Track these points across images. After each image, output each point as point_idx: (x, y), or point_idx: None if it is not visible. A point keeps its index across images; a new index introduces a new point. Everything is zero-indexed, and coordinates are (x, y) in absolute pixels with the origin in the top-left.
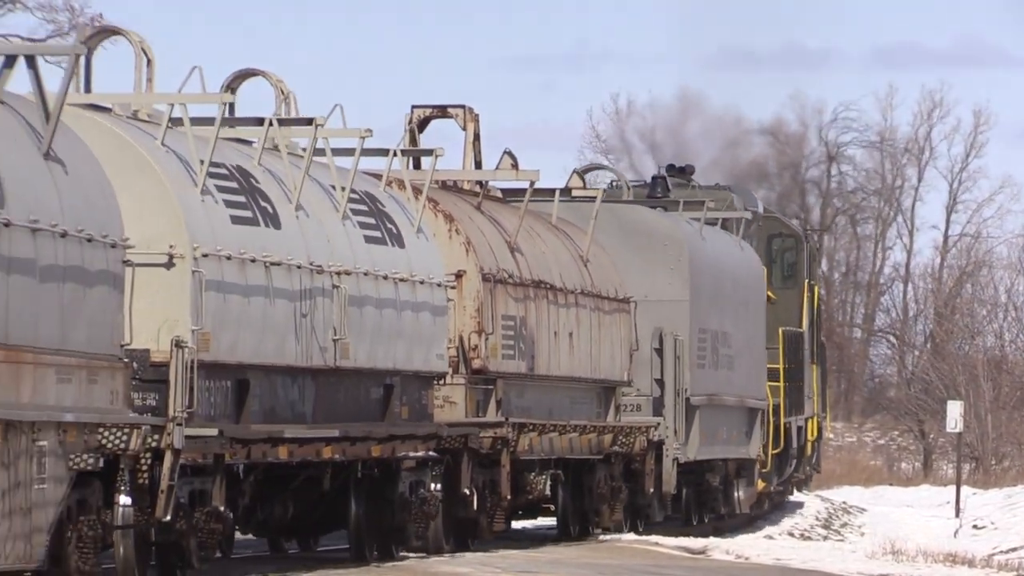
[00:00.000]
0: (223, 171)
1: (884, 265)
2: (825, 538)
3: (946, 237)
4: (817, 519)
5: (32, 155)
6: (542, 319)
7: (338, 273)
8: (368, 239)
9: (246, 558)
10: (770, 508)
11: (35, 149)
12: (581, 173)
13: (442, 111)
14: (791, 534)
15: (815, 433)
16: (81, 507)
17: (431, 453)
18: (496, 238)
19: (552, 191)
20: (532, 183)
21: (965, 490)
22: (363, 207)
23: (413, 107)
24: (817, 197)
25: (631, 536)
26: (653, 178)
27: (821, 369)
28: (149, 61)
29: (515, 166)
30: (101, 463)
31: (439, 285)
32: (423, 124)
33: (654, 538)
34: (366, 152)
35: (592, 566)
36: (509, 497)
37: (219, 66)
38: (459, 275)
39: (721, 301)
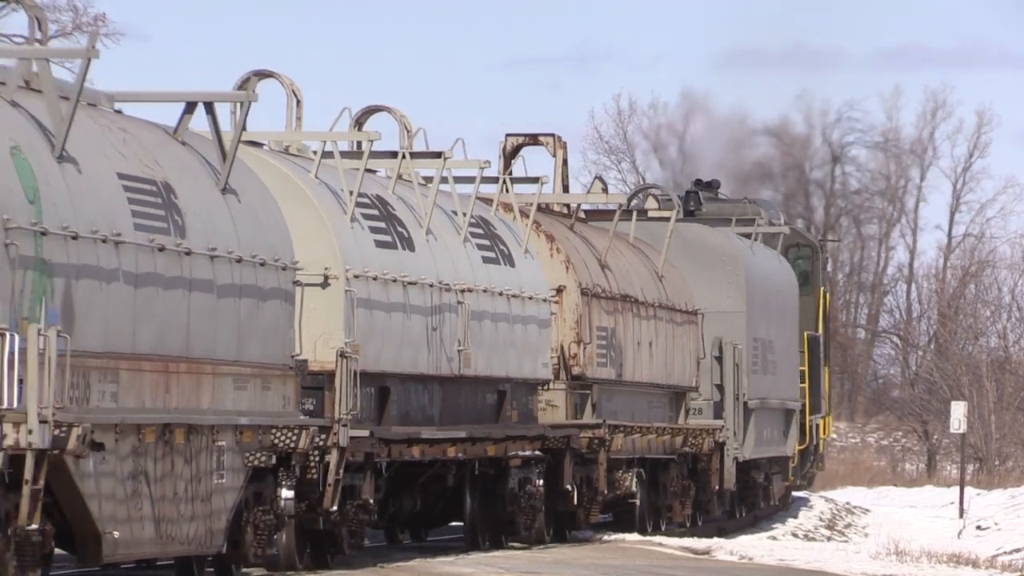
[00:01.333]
0: (365, 200)
1: (888, 266)
2: (829, 539)
3: (950, 237)
4: (821, 520)
5: (210, 190)
6: (628, 330)
7: (462, 291)
8: (485, 259)
9: (370, 548)
10: (792, 500)
11: (213, 184)
12: (636, 193)
13: (533, 139)
14: (795, 535)
15: (828, 431)
16: (257, 499)
17: (537, 452)
18: (588, 256)
19: (630, 212)
20: (620, 206)
21: (969, 491)
22: (479, 230)
23: (507, 135)
24: (821, 198)
25: (635, 536)
26: (687, 192)
27: (828, 370)
28: (299, 102)
29: (604, 190)
30: (274, 460)
31: (544, 300)
32: (515, 151)
33: (658, 539)
34: (457, 179)
35: (596, 566)
36: (605, 492)
37: (220, 65)
38: (560, 290)
39: (767, 311)
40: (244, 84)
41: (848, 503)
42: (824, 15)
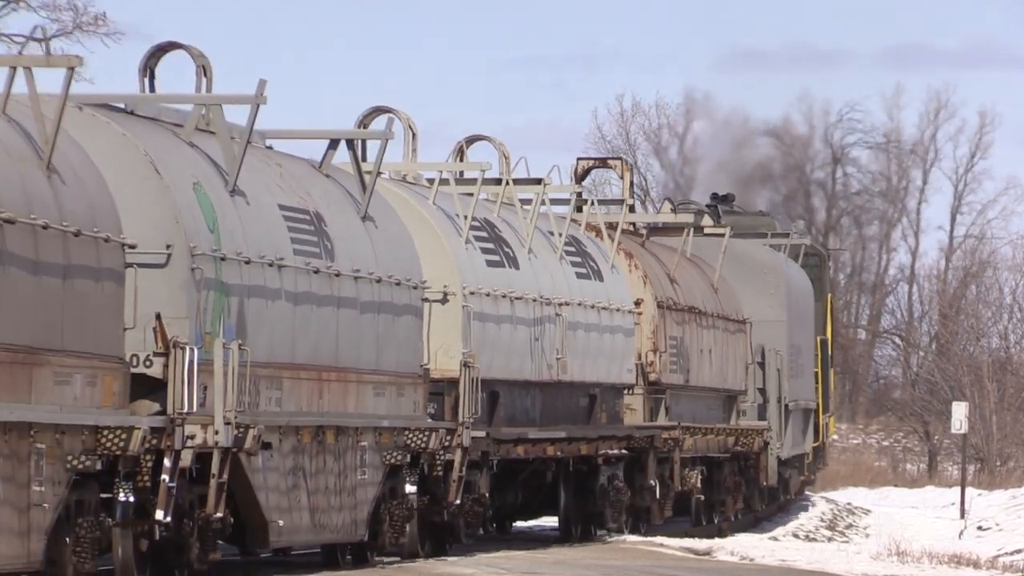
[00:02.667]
0: (475, 223)
1: (889, 266)
2: (830, 539)
3: (951, 238)
4: (822, 520)
5: (353, 217)
6: (693, 338)
7: (560, 304)
8: (578, 275)
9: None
10: (803, 494)
11: (354, 212)
12: (675, 206)
13: (603, 162)
14: (796, 535)
15: (832, 430)
16: (391, 493)
17: (623, 451)
18: (659, 270)
19: (682, 227)
20: (691, 225)
21: (970, 491)
22: (571, 248)
23: (578, 159)
24: (822, 199)
25: (635, 537)
26: (706, 206)
27: (833, 372)
28: (414, 135)
29: (674, 210)
30: (408, 458)
31: (628, 312)
32: (585, 173)
33: (659, 539)
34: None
35: (596, 567)
36: (679, 488)
37: (221, 66)
38: (638, 303)
39: (797, 319)
40: (367, 119)
41: (849, 504)
42: (827, 15)
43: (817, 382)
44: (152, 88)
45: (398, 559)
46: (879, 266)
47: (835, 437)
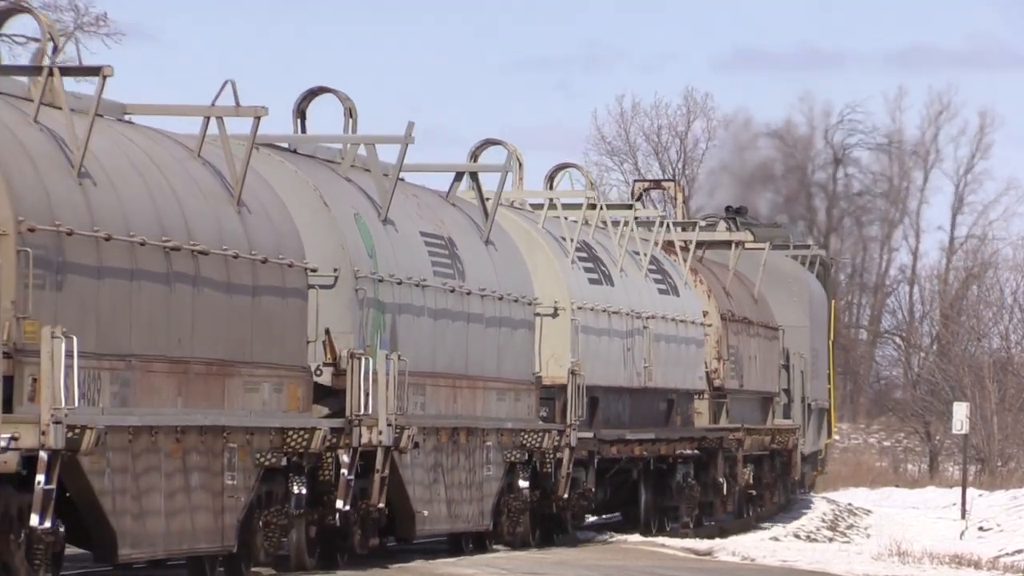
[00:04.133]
0: (577, 244)
1: (890, 267)
2: (831, 540)
3: (952, 239)
4: (823, 521)
5: (477, 241)
6: (745, 347)
7: (647, 317)
8: (659, 291)
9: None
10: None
11: (478, 237)
12: (721, 218)
13: (657, 184)
14: (797, 536)
15: (835, 429)
16: (509, 488)
17: (695, 451)
18: (717, 284)
19: (729, 243)
20: (744, 242)
21: (971, 492)
22: (653, 266)
23: (635, 181)
24: (823, 200)
25: (637, 537)
26: (721, 219)
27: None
28: (520, 164)
29: (729, 228)
30: (526, 456)
31: (699, 324)
32: (641, 194)
33: (660, 539)
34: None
35: (598, 567)
36: (741, 484)
37: (224, 66)
38: (705, 314)
39: (816, 325)
40: (478, 150)
41: (850, 504)
42: (829, 16)
43: (829, 383)
44: (304, 128)
45: (509, 548)
46: (880, 267)
47: (836, 437)
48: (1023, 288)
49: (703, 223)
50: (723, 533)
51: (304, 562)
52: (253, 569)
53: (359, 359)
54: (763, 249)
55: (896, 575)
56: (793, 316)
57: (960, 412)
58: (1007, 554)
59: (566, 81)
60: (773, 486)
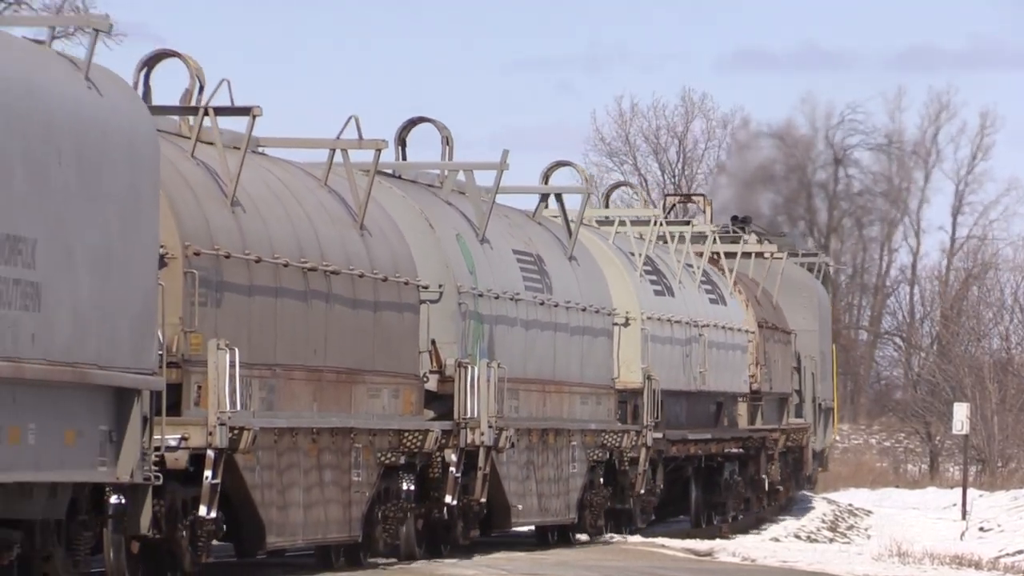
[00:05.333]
0: (635, 258)
1: (890, 267)
2: (831, 540)
3: (952, 239)
4: (823, 521)
5: (561, 257)
6: (773, 351)
7: (701, 326)
8: (711, 300)
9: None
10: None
11: (562, 253)
12: (735, 227)
13: (687, 198)
14: (797, 536)
15: (836, 429)
16: (591, 484)
17: (739, 450)
18: (752, 294)
19: (749, 254)
20: (773, 253)
21: (971, 492)
22: (703, 277)
23: (665, 195)
24: (824, 200)
25: (637, 538)
26: (731, 229)
27: None
28: (586, 179)
29: (759, 241)
30: (607, 455)
31: (743, 331)
32: (671, 208)
33: (660, 540)
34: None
35: (598, 568)
36: (772, 480)
37: (221, 66)
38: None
39: (823, 328)
40: (550, 171)
41: (851, 504)
42: (831, 17)
43: (832, 383)
44: (405, 155)
45: (590, 540)
46: (880, 267)
47: (836, 438)
48: (1023, 288)
49: (714, 230)
50: (723, 534)
51: (413, 552)
52: (370, 559)
53: (464, 367)
54: (782, 259)
55: None
56: (804, 321)
57: (960, 413)
58: (1008, 554)
59: (567, 81)
60: (788, 481)
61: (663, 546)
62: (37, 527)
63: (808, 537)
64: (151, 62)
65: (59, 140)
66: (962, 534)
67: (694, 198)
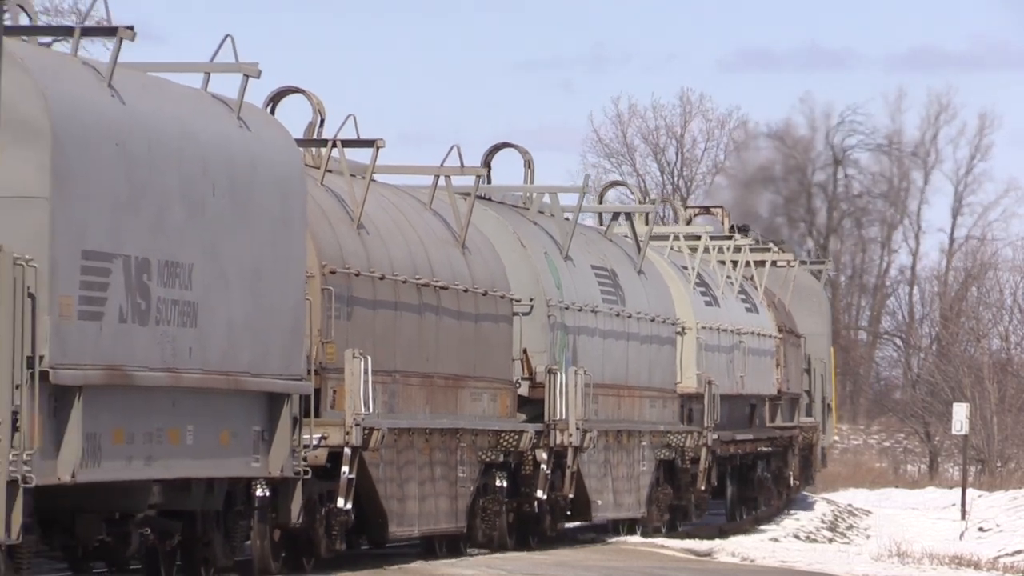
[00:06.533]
0: (688, 271)
1: (890, 268)
2: (831, 540)
3: (952, 240)
4: (823, 521)
5: (631, 271)
6: (788, 355)
7: (741, 333)
8: (746, 309)
9: None
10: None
11: (632, 267)
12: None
13: (706, 210)
14: (796, 536)
15: (836, 426)
16: (657, 482)
17: (769, 448)
18: (774, 301)
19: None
20: (789, 262)
21: (971, 492)
22: (738, 288)
23: (686, 207)
24: (823, 201)
25: (637, 538)
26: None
27: None
28: (644, 200)
29: (780, 250)
30: (672, 455)
31: (771, 336)
32: (691, 219)
33: (660, 540)
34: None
35: (598, 568)
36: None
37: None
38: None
39: (828, 331)
40: (605, 189)
41: (850, 505)
42: (832, 17)
43: (833, 382)
44: (490, 178)
45: (657, 533)
46: (880, 268)
47: (836, 438)
48: (1023, 289)
49: (748, 243)
50: (722, 534)
51: (505, 542)
52: (470, 549)
53: (554, 374)
54: (795, 267)
55: None
56: (812, 325)
57: (960, 413)
58: (1007, 554)
59: (571, 82)
60: (799, 476)
61: (663, 546)
62: (198, 517)
63: (807, 537)
64: (277, 97)
65: (214, 174)
66: (961, 534)
67: (712, 210)
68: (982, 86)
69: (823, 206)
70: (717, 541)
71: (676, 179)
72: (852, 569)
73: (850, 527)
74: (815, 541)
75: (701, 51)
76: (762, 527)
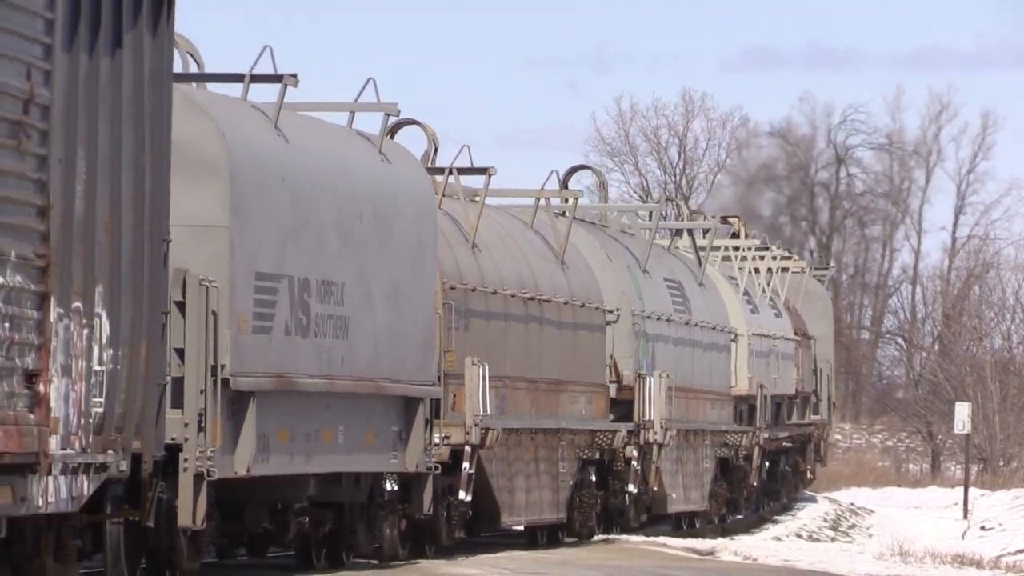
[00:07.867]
0: (736, 282)
1: (892, 267)
2: (833, 539)
3: (954, 239)
4: (825, 520)
5: (694, 283)
6: (805, 356)
7: (775, 338)
8: (774, 315)
9: None
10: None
11: (694, 279)
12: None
13: (724, 220)
14: (799, 535)
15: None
16: (715, 478)
17: (790, 444)
18: (788, 307)
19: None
20: (803, 268)
21: (973, 491)
22: (770, 295)
23: (705, 216)
24: (825, 199)
25: (639, 537)
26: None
27: None
28: (694, 214)
29: (788, 257)
30: (730, 453)
31: (792, 340)
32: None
33: (662, 539)
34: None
35: (600, 567)
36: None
37: (222, 63)
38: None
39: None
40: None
41: (852, 504)
42: (832, 17)
43: (833, 381)
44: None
45: (717, 525)
46: (882, 267)
47: (838, 437)
48: None
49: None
50: (725, 533)
51: (594, 531)
52: (566, 539)
53: (643, 378)
54: (806, 272)
55: (898, 575)
56: (819, 328)
57: (962, 412)
58: (1009, 553)
59: (575, 81)
60: (812, 470)
61: (665, 545)
62: (346, 508)
63: (810, 536)
64: (394, 129)
65: (361, 203)
66: (964, 533)
67: (730, 219)
68: (985, 85)
69: (825, 205)
70: (720, 540)
71: (678, 178)
72: (854, 568)
73: (852, 526)
74: (817, 540)
75: (703, 50)
76: (766, 525)
